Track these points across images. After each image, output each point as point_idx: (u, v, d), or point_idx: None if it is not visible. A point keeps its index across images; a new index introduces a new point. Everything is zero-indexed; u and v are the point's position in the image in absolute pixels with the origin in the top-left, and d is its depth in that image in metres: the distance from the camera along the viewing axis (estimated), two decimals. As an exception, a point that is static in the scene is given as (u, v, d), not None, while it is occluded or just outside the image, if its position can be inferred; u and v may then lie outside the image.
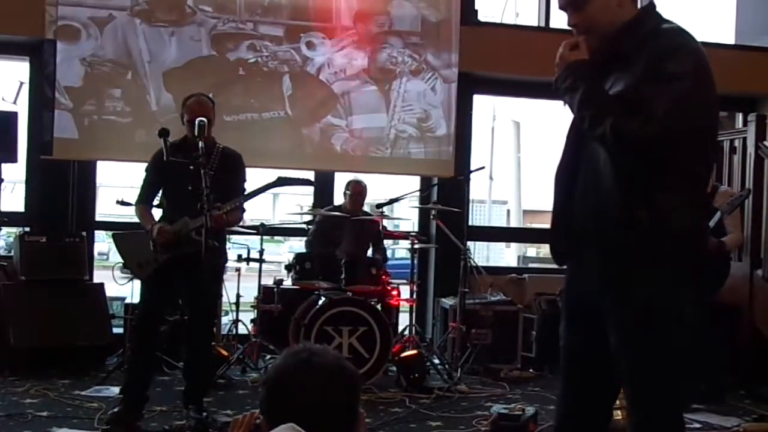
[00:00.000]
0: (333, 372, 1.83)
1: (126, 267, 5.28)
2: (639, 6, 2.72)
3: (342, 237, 6.85)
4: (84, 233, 6.85)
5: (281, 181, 4.99)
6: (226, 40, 7.24)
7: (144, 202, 5.08)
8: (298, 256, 6.59)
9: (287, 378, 1.82)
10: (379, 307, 6.34)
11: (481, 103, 10.08)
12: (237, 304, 6.58)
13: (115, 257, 6.27)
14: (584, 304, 2.74)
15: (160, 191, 5.08)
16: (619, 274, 2.56)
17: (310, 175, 7.60)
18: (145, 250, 4.89)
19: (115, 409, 4.87)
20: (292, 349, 1.91)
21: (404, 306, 7.02)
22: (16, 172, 7.13)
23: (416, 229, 8.08)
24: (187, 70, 7.13)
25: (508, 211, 22.40)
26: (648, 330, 2.56)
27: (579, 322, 2.81)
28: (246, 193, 4.97)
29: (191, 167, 4.65)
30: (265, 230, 6.68)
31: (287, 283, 6.59)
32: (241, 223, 5.74)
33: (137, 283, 5.37)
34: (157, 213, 5.07)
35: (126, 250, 5.15)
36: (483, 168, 7.54)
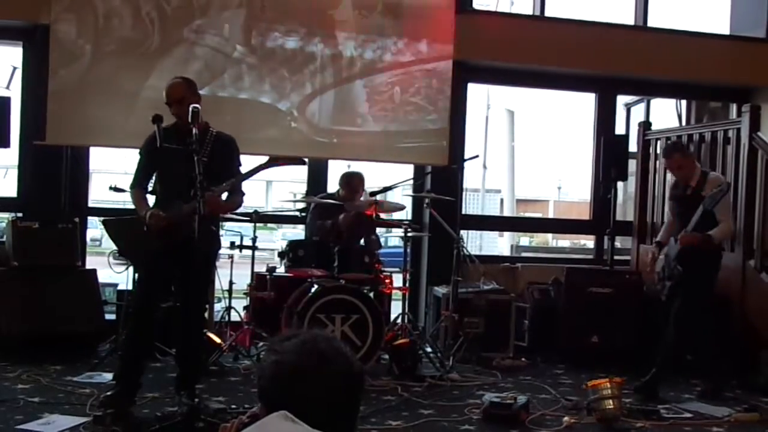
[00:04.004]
0: (348, 379, 1.82)
1: (121, 253, 5.23)
2: None
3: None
4: (77, 219, 6.82)
5: (273, 162, 4.96)
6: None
7: (139, 185, 5.05)
8: (291, 244, 6.58)
9: (300, 378, 1.78)
10: (371, 295, 6.33)
11: (476, 91, 10.08)
12: (230, 291, 6.58)
13: (108, 243, 6.25)
14: None
15: (154, 175, 5.06)
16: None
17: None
18: (137, 236, 4.86)
19: (108, 393, 4.86)
20: (300, 341, 1.85)
21: (397, 294, 7.01)
22: (9, 157, 7.11)
23: (410, 217, 8.08)
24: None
25: (502, 200, 22.42)
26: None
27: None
28: (240, 175, 4.93)
29: (183, 152, 4.63)
30: (259, 217, 6.68)
31: (280, 270, 6.59)
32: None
33: (132, 269, 5.35)
34: (151, 199, 5.05)
35: (118, 236, 5.12)
36: (477, 157, 7.53)
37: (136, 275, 5.14)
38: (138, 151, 5.09)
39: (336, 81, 7.50)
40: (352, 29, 7.51)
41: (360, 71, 7.55)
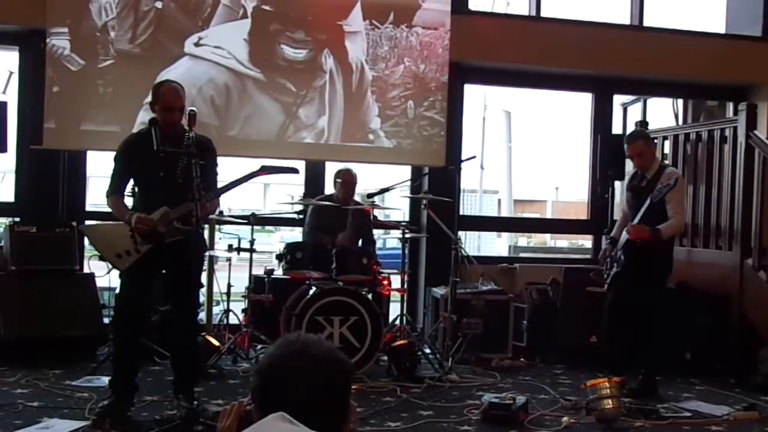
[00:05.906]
0: (327, 365, 1.83)
1: (102, 259, 5.10)
2: None
3: (335, 226, 6.83)
4: (74, 223, 6.82)
5: (265, 170, 4.93)
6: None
7: (117, 192, 4.93)
8: (289, 246, 6.58)
9: (281, 369, 1.81)
10: (370, 296, 6.34)
11: (472, 92, 10.07)
12: (228, 294, 6.57)
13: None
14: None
15: (131, 180, 5.00)
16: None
17: (300, 165, 7.59)
18: (122, 241, 4.75)
19: (105, 401, 4.85)
20: (285, 338, 1.90)
21: (395, 296, 7.01)
22: (6, 162, 7.11)
23: (407, 218, 8.08)
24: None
25: (499, 200, 22.44)
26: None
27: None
28: (230, 182, 4.90)
29: (162, 154, 4.62)
30: (256, 220, 6.67)
31: (278, 272, 6.59)
32: (232, 213, 5.71)
33: (116, 272, 5.26)
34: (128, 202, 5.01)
35: (100, 242, 4.99)
36: (474, 157, 7.53)
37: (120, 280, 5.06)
38: (113, 157, 4.97)
39: (345, 94, 7.46)
40: (363, 40, 7.48)
41: (371, 84, 7.53)
